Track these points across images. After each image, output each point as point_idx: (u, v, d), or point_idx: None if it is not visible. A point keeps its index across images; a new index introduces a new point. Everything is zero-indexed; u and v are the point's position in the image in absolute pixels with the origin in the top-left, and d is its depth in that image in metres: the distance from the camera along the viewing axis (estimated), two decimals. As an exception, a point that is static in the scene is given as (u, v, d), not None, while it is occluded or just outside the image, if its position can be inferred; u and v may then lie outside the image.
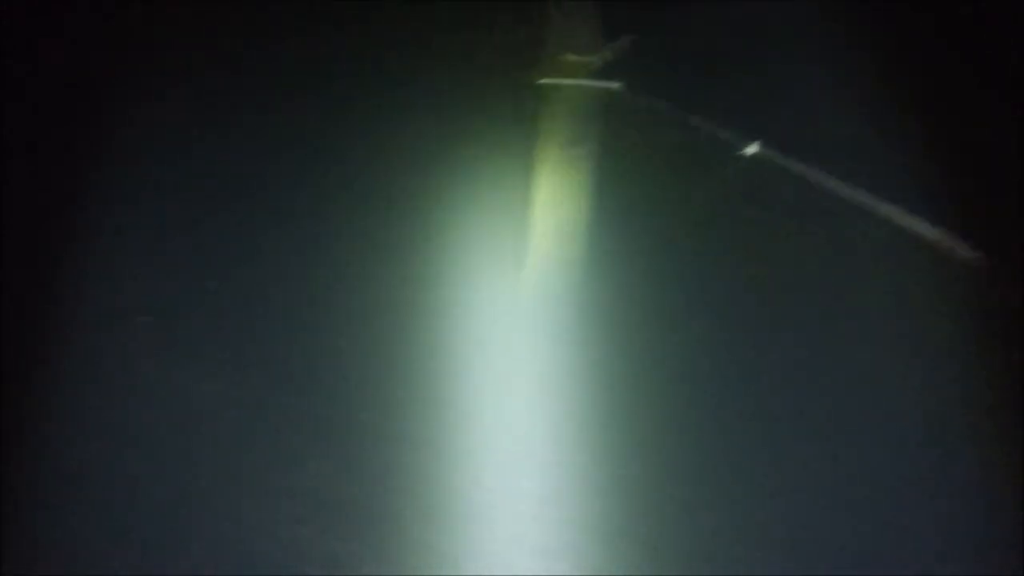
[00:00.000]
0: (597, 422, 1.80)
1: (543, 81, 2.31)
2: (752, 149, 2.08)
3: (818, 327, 1.91)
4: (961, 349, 1.84)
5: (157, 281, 2.07)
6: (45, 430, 1.79)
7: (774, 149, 2.15)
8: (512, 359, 1.90)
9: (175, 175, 2.29)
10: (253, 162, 2.30)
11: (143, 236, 2.16)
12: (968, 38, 2.23)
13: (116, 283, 2.06)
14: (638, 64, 2.38)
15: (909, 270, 1.97)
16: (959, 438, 1.73)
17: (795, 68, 2.38)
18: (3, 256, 2.05)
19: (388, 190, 2.21)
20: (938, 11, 2.20)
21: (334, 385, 1.87)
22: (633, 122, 2.27)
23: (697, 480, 1.70)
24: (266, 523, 1.66)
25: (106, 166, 2.27)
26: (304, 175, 2.26)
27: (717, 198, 2.12)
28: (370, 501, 1.69)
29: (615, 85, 2.30)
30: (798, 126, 2.23)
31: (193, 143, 2.35)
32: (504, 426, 1.80)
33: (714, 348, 1.89)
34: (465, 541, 1.64)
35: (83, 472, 1.74)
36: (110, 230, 2.16)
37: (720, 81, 2.36)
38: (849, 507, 1.65)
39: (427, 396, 1.84)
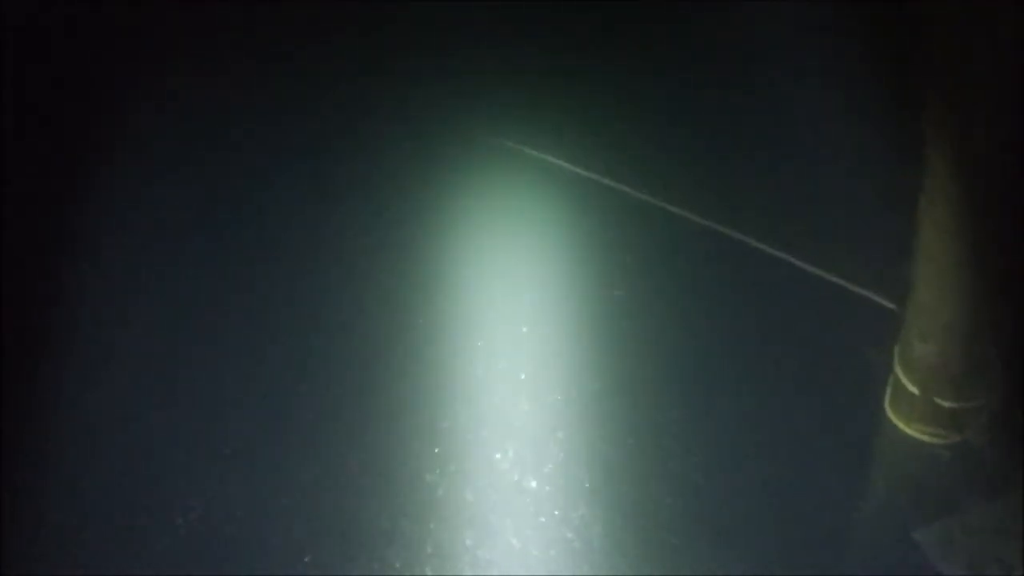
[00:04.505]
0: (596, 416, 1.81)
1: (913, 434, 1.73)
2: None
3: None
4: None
5: (160, 281, 2.08)
6: (45, 430, 1.80)
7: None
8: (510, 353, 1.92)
9: (180, 176, 2.30)
10: (258, 162, 2.33)
11: (145, 236, 2.17)
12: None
13: (118, 283, 2.08)
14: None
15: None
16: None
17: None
18: (3, 256, 2.06)
19: (390, 190, 2.23)
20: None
21: (336, 382, 1.87)
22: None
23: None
24: (270, 528, 1.67)
25: (109, 166, 2.29)
26: (310, 177, 2.28)
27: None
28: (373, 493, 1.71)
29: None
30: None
31: (198, 145, 2.37)
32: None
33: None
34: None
35: (83, 472, 1.74)
36: (110, 230, 2.17)
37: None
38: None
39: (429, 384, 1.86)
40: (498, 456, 1.75)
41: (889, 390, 1.75)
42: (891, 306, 1.85)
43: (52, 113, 2.38)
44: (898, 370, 1.71)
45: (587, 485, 1.70)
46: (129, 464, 1.76)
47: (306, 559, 1.62)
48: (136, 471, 1.75)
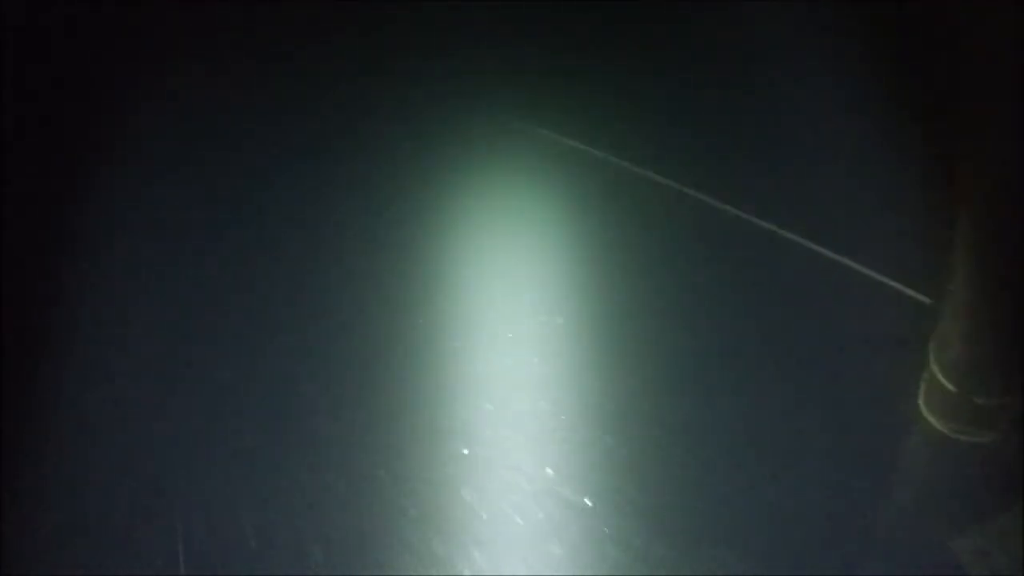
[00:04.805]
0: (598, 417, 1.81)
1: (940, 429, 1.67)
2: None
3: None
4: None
5: (160, 281, 2.08)
6: (45, 430, 1.80)
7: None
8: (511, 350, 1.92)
9: (180, 176, 2.30)
10: (258, 162, 2.32)
11: (145, 236, 2.17)
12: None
13: (118, 283, 2.08)
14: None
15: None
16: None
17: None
18: (3, 256, 2.06)
19: (390, 190, 2.22)
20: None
21: (336, 382, 1.88)
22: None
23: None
24: (271, 529, 1.67)
25: (109, 166, 2.28)
26: (310, 177, 2.28)
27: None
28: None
29: None
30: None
31: (198, 145, 2.37)
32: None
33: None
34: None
35: (83, 472, 1.75)
36: (110, 230, 2.17)
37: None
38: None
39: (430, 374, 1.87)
40: (483, 453, 1.76)
41: (923, 386, 1.70)
42: (924, 299, 1.82)
43: (52, 113, 2.39)
44: (934, 366, 1.66)
45: (585, 485, 1.70)
46: (129, 464, 1.76)
47: (310, 562, 1.62)
48: (136, 471, 1.75)
